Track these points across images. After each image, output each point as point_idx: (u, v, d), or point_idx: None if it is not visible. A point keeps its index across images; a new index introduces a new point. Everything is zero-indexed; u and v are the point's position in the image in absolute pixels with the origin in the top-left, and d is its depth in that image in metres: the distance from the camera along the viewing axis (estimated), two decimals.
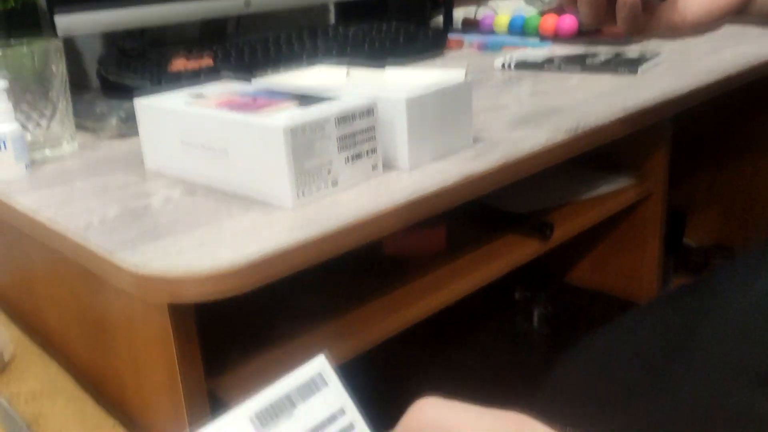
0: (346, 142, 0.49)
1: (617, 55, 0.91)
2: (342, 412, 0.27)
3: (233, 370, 0.52)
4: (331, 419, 0.26)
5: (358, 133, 0.50)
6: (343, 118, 0.48)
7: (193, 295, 0.41)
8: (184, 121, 0.52)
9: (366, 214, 0.47)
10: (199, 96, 0.56)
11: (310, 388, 0.27)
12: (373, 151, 0.51)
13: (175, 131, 0.53)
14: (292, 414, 0.26)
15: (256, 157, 0.48)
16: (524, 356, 0.85)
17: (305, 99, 0.51)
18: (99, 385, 0.56)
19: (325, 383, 0.27)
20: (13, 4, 0.69)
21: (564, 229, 0.74)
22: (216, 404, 0.49)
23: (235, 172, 0.50)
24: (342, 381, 0.27)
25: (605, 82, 0.80)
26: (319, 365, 0.27)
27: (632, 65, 0.83)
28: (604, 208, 0.80)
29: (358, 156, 0.50)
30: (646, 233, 0.90)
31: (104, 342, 0.52)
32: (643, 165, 0.85)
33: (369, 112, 0.50)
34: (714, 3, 0.51)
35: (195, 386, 0.46)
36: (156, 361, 0.46)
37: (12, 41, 0.65)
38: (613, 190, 0.82)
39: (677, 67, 0.85)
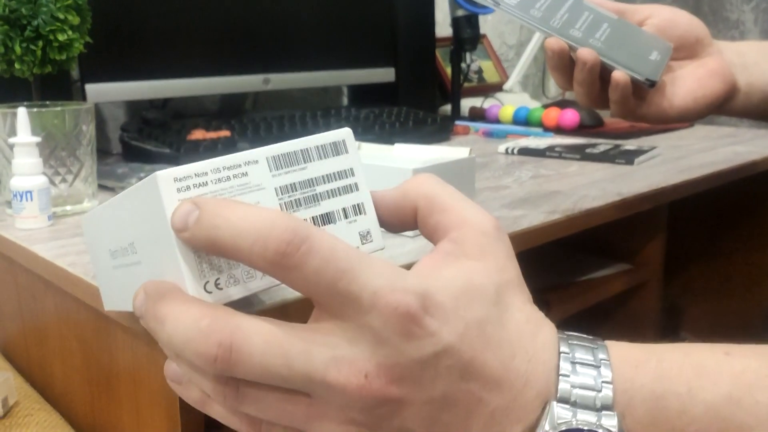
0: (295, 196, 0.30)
1: (616, 146, 0.95)
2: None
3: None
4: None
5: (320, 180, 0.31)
6: (283, 158, 0.29)
7: None
8: (102, 219, 0.36)
9: None
10: None
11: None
12: (358, 210, 0.31)
13: None
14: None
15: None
16: None
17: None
18: None
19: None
20: (50, 70, 0.74)
21: (560, 309, 0.75)
22: None
23: None
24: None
25: (604, 170, 0.83)
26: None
27: (629, 156, 0.87)
28: (601, 290, 0.82)
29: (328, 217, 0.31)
30: (641, 324, 0.91)
31: (108, 391, 0.53)
32: (639, 253, 0.88)
33: (336, 147, 0.30)
34: (700, 92, 0.56)
35: None
36: (158, 411, 0.48)
37: (47, 103, 0.70)
38: (607, 275, 0.84)
39: (672, 161, 0.89)
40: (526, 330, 0.27)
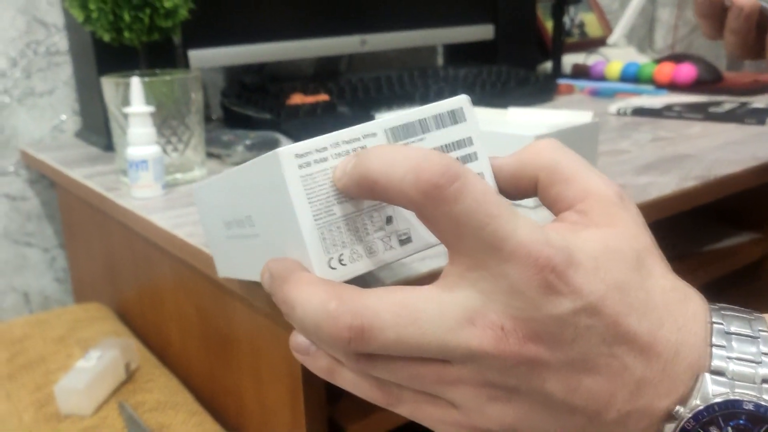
0: None
1: (742, 104, 0.87)
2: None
3: (350, 396, 0.52)
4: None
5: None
6: (403, 129, 0.28)
7: None
8: (218, 192, 0.35)
9: None
10: None
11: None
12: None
13: None
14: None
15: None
16: None
17: None
18: (216, 401, 0.57)
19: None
20: (157, 37, 0.75)
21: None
22: (333, 429, 0.49)
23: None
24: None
25: (731, 131, 0.77)
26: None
27: (760, 115, 0.79)
28: (727, 263, 0.76)
29: None
30: None
31: (227, 359, 0.54)
32: None
33: (453, 116, 0.29)
34: None
35: (316, 409, 0.46)
36: (280, 381, 0.47)
37: (156, 71, 0.70)
38: (737, 244, 0.78)
39: None
40: (673, 298, 0.25)
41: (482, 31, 1.15)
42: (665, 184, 0.57)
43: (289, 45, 0.98)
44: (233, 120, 0.91)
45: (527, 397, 0.24)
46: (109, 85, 0.65)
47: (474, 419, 0.25)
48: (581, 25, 1.38)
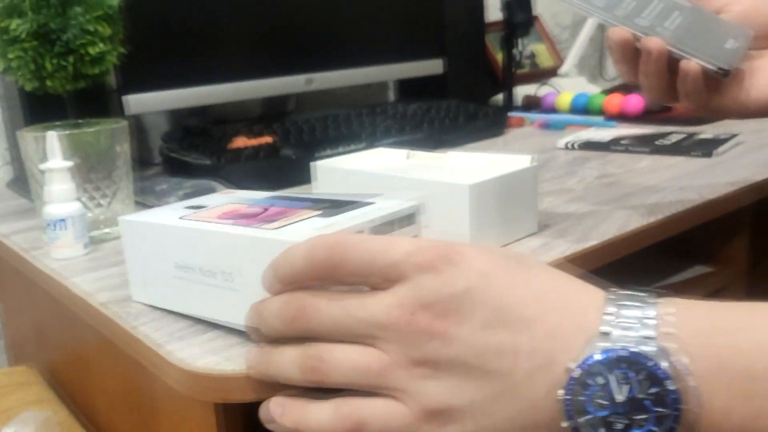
0: None
1: (689, 135, 0.87)
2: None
3: None
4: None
5: None
6: (380, 228, 0.39)
7: (240, 395, 0.38)
8: (177, 240, 0.41)
9: None
10: (199, 207, 0.45)
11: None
12: None
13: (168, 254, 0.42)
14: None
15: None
16: None
17: (329, 206, 0.41)
18: None
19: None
20: (84, 85, 0.71)
21: None
22: None
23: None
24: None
25: (678, 165, 0.76)
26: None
27: (707, 147, 0.79)
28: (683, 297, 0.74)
29: None
30: None
31: (151, 431, 0.50)
32: (721, 254, 0.80)
33: (410, 218, 0.41)
34: None
35: None
36: None
37: (80, 122, 0.67)
38: (688, 279, 0.77)
39: (756, 150, 0.80)
40: (558, 281, 0.31)
41: (431, 66, 1.14)
42: (607, 228, 0.55)
43: (232, 87, 0.95)
44: (173, 167, 0.88)
45: (450, 369, 0.29)
46: (27, 139, 0.61)
47: (418, 401, 0.30)
48: (532, 56, 1.38)
